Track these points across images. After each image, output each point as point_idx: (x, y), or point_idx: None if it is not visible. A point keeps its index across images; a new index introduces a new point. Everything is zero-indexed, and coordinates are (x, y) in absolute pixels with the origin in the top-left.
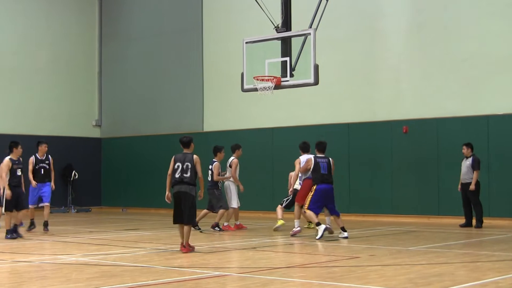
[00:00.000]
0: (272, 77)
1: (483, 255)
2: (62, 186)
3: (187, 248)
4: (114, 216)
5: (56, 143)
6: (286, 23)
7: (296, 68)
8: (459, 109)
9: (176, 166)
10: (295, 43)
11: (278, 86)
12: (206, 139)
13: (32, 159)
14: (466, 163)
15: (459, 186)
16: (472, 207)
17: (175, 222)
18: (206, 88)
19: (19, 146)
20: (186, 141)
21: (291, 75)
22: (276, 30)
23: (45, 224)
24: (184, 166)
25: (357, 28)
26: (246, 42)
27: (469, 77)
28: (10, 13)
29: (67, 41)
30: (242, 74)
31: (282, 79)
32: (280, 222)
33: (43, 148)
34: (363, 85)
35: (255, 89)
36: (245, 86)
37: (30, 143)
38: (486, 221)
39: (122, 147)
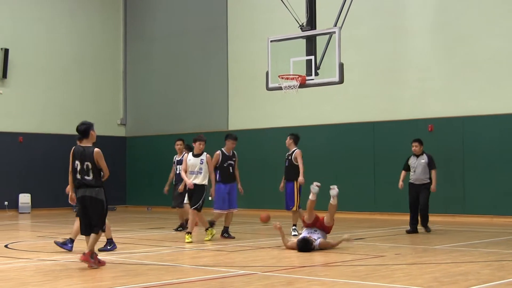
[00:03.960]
0: (297, 76)
1: (508, 254)
2: None
3: (87, 256)
4: (139, 215)
5: None
6: (311, 22)
7: (321, 67)
8: (484, 108)
9: (75, 165)
10: (320, 42)
11: (303, 85)
12: None
13: (217, 155)
14: (421, 161)
15: (400, 183)
16: (421, 210)
17: (83, 233)
18: (230, 87)
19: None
20: (83, 129)
21: (316, 74)
22: (301, 28)
23: (226, 231)
24: (84, 166)
25: (382, 27)
26: (271, 41)
27: (494, 75)
28: (35, 13)
29: (92, 41)
30: (267, 73)
31: (307, 77)
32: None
33: (231, 143)
34: (388, 84)
35: (280, 88)
36: (270, 85)
37: (55, 142)
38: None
39: (147, 146)
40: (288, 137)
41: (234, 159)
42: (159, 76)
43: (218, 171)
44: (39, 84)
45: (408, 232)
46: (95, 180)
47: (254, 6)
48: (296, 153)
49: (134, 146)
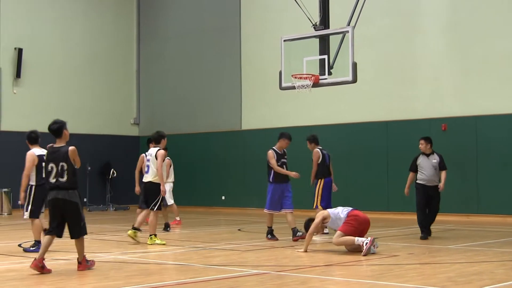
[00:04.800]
0: (310, 75)
1: None
2: (100, 184)
3: (83, 264)
4: None
5: (94, 142)
6: (324, 21)
7: (334, 66)
8: (498, 107)
9: (49, 168)
10: (333, 41)
11: (316, 84)
12: (244, 137)
13: (271, 153)
14: (433, 161)
15: (407, 190)
16: (430, 215)
17: (48, 233)
18: (244, 86)
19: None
20: (55, 128)
21: (329, 73)
22: (314, 28)
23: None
24: (59, 168)
25: (396, 26)
26: (284, 40)
27: (507, 74)
28: (48, 12)
29: (105, 40)
30: (280, 72)
31: (320, 77)
32: None
33: (286, 142)
34: (402, 83)
35: (293, 87)
36: (283, 84)
37: (68, 141)
38: None
39: None
40: (308, 142)
41: (285, 157)
42: (172, 76)
43: (272, 171)
44: (53, 83)
45: (423, 238)
46: (69, 181)
47: (267, 6)
48: (313, 152)
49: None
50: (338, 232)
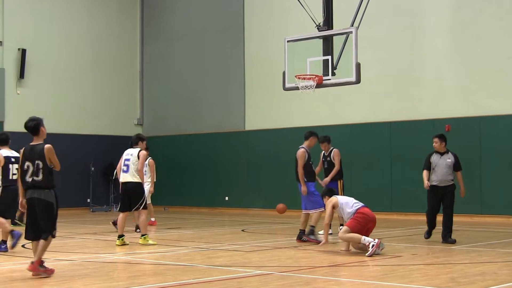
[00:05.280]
0: (314, 76)
1: None
2: (104, 185)
3: (35, 265)
4: (156, 215)
5: (97, 142)
6: (328, 22)
7: (337, 67)
8: (502, 108)
9: (25, 167)
10: (337, 42)
11: (319, 85)
12: (248, 138)
13: (303, 153)
14: (446, 160)
15: (426, 183)
16: (446, 217)
17: (28, 237)
18: (247, 87)
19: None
20: (32, 126)
21: (333, 74)
22: (317, 28)
23: (311, 232)
24: (35, 166)
25: (399, 26)
26: (288, 41)
27: (511, 74)
28: (52, 13)
29: (109, 41)
30: (284, 73)
31: (324, 77)
32: None
33: (316, 141)
34: (405, 84)
35: (297, 88)
36: (287, 85)
37: (71, 142)
38: None
39: (163, 146)
40: (326, 143)
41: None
42: (176, 76)
43: (304, 171)
44: (56, 84)
45: (427, 238)
46: (45, 181)
47: (270, 6)
48: (334, 152)
49: (151, 146)
50: (345, 228)
